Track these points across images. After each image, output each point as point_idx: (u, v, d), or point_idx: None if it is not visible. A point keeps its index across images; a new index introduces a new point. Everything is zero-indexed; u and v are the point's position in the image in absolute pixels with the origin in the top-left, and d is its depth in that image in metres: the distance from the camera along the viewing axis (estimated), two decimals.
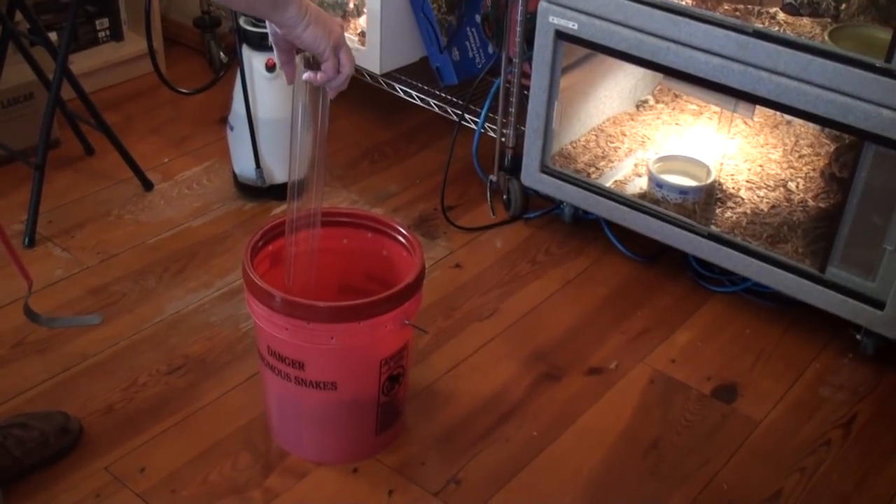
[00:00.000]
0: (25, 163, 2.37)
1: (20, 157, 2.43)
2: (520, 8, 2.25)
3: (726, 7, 2.04)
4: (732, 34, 1.91)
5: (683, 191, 2.24)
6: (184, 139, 2.77)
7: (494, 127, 2.47)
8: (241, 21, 2.35)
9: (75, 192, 2.52)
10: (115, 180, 2.56)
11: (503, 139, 2.45)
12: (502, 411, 1.93)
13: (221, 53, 3.09)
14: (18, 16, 2.37)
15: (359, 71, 2.63)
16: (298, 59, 1.47)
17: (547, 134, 2.29)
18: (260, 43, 2.34)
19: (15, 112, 2.56)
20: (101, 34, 3.01)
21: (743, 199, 2.26)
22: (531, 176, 2.36)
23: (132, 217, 2.44)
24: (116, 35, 3.04)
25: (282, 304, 1.62)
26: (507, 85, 2.38)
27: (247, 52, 2.36)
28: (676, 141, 2.46)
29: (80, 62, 2.88)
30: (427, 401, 1.95)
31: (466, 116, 2.53)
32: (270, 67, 2.35)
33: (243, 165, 2.48)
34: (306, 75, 1.45)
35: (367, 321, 1.64)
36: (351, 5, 2.71)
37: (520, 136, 2.40)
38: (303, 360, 1.68)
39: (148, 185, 2.54)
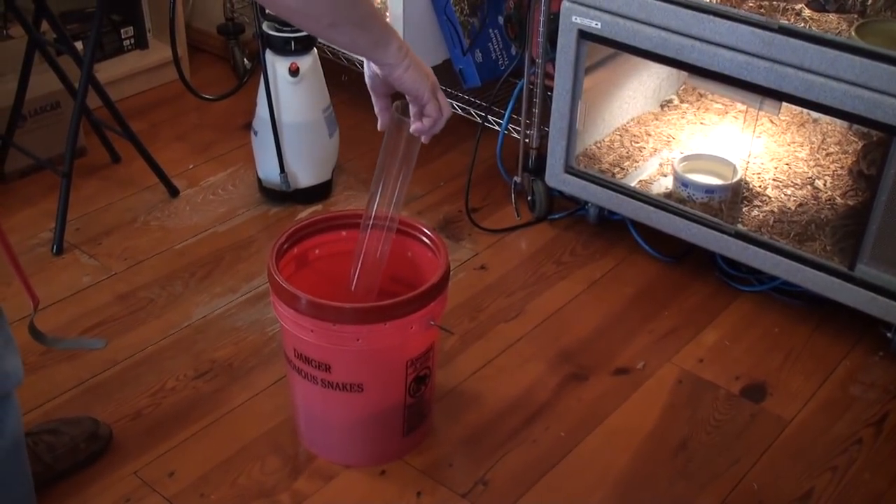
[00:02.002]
0: (53, 171, 2.39)
1: (48, 166, 2.45)
2: (543, 8, 2.25)
3: (751, 4, 2.03)
4: (758, 31, 1.90)
5: (709, 189, 2.23)
6: (208, 145, 2.79)
7: (518, 128, 2.46)
8: (265, 26, 2.36)
9: (102, 199, 2.54)
10: (141, 187, 2.58)
11: (527, 140, 2.45)
12: (529, 412, 1.93)
13: (245, 59, 3.10)
14: (45, 25, 2.39)
15: None
16: (393, 107, 1.48)
17: (571, 134, 2.29)
18: (283, 47, 2.35)
19: (42, 121, 2.58)
20: (126, 43, 3.03)
21: (770, 197, 2.24)
22: (555, 177, 2.36)
23: (158, 223, 2.46)
24: (141, 43, 3.06)
25: (308, 307, 1.63)
26: (531, 86, 2.38)
27: (270, 57, 2.37)
28: (702, 140, 2.44)
29: (106, 71, 2.91)
30: (454, 402, 1.94)
31: (490, 118, 2.53)
32: (294, 72, 2.35)
33: (268, 170, 2.49)
34: (415, 127, 1.45)
35: (392, 322, 1.63)
36: None
37: (544, 137, 2.40)
38: (329, 362, 1.68)
39: (173, 192, 2.56)
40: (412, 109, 1.46)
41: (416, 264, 1.83)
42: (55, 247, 2.33)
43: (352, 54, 2.66)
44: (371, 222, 1.67)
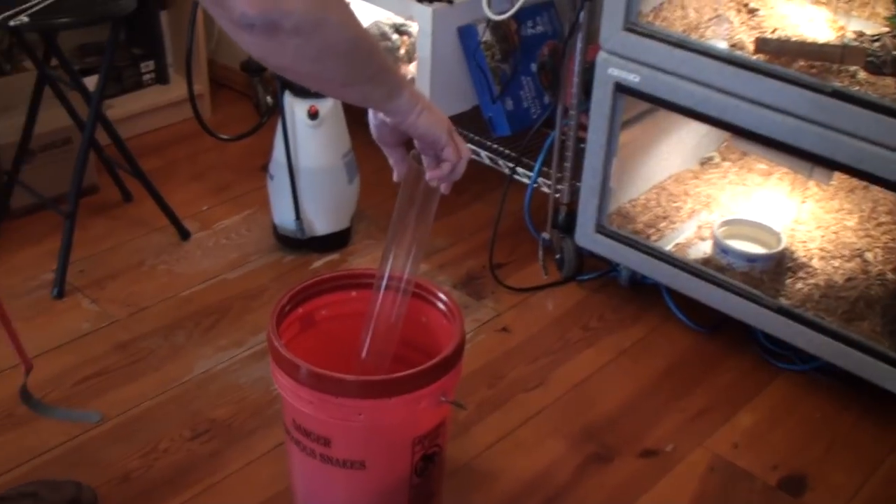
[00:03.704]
0: (56, 211, 2.28)
1: (50, 206, 2.34)
2: (577, 57, 2.12)
3: (801, 64, 1.89)
4: (809, 93, 1.76)
5: (751, 258, 2.08)
6: (225, 186, 2.68)
7: (548, 181, 2.33)
8: None
9: (110, 240, 2.44)
10: (151, 228, 2.48)
11: (557, 195, 2.32)
12: (547, 495, 1.78)
13: (268, 97, 3.01)
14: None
15: None
16: (411, 156, 1.38)
17: (604, 192, 2.15)
18: (302, 89, 2.24)
19: (51, 157, 2.49)
20: (147, 77, 2.94)
21: (815, 269, 2.08)
22: (586, 236, 2.22)
23: (166, 267, 2.35)
24: (163, 78, 2.97)
25: (307, 377, 1.49)
26: (563, 137, 2.25)
27: (289, 99, 2.26)
28: (744, 203, 2.29)
29: (125, 105, 2.82)
30: (465, 480, 1.80)
31: (519, 169, 2.40)
32: (313, 115, 2.24)
33: (283, 216, 2.37)
34: (432, 174, 1.34)
35: (399, 397, 1.49)
36: (402, 51, 2.61)
37: (575, 192, 2.27)
38: (329, 436, 1.54)
39: (184, 234, 2.45)
40: (426, 159, 1.35)
41: (429, 330, 1.69)
42: (56, 290, 2.22)
43: None
44: (384, 282, 1.54)
